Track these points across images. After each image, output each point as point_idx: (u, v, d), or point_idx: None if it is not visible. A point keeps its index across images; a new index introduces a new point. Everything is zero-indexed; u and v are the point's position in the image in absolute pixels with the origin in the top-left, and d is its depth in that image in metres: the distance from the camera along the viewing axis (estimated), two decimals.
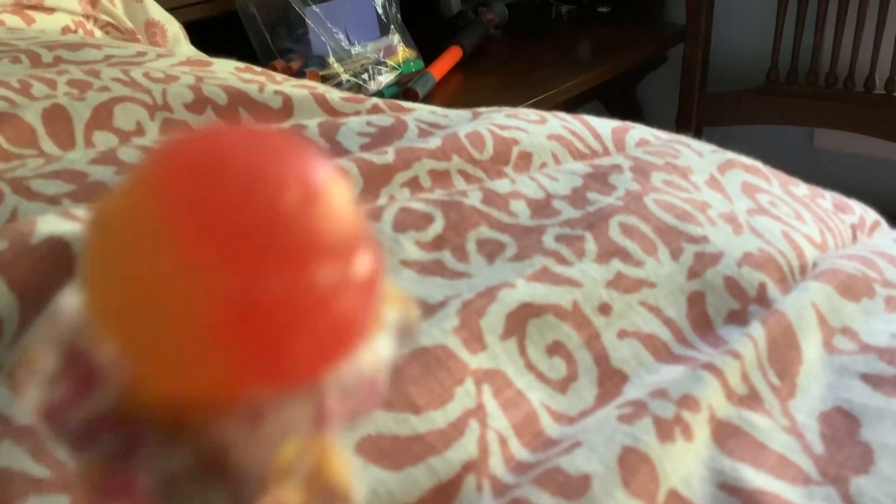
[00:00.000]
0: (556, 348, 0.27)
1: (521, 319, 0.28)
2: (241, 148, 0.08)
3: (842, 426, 0.26)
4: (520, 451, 0.24)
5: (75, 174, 0.34)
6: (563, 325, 0.28)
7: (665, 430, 0.23)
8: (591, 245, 0.31)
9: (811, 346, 0.29)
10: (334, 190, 0.08)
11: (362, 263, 0.09)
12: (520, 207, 0.33)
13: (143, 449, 0.09)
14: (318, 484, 0.10)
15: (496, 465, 0.23)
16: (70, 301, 0.10)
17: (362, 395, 0.10)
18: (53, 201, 0.32)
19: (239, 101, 0.48)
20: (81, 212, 0.28)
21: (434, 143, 0.36)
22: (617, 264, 0.31)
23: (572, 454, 0.23)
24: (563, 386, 0.27)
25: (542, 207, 0.34)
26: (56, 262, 0.25)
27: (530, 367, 0.27)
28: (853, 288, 0.32)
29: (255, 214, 0.08)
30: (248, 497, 0.09)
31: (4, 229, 0.26)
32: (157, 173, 0.08)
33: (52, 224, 0.27)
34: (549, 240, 0.32)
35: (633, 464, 0.22)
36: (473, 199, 0.33)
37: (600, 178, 0.36)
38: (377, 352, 0.10)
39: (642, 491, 0.22)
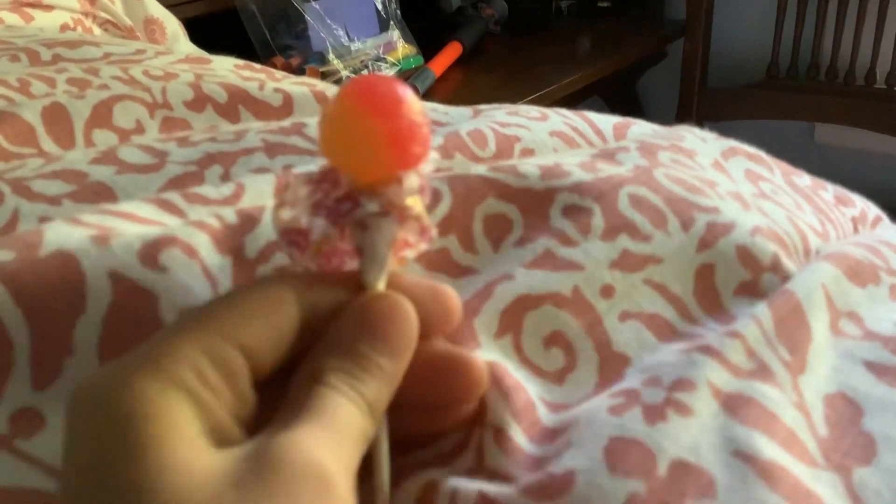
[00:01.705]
0: (553, 339, 0.27)
1: (517, 314, 0.27)
2: (382, 79, 0.22)
3: (845, 412, 0.25)
4: (519, 437, 0.24)
5: (76, 174, 0.34)
6: (561, 314, 0.27)
7: (654, 413, 0.23)
8: (598, 220, 0.30)
9: (820, 325, 0.28)
10: (413, 94, 0.22)
11: (427, 116, 0.22)
12: (529, 169, 0.32)
13: (359, 207, 0.22)
14: (420, 220, 0.23)
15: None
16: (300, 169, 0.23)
17: (426, 185, 0.23)
18: (54, 202, 0.32)
19: (239, 98, 0.48)
20: (87, 216, 0.28)
21: (436, 141, 0.36)
22: (623, 241, 0.30)
23: (560, 458, 0.23)
24: (559, 377, 0.26)
25: (552, 169, 0.33)
26: (67, 277, 0.25)
27: (526, 362, 0.26)
28: (860, 273, 0.32)
29: (394, 100, 0.22)
30: (399, 220, 0.23)
31: (14, 240, 0.26)
32: (351, 91, 0.22)
33: (60, 233, 0.26)
34: (556, 213, 0.31)
35: (619, 450, 0.22)
36: (480, 169, 0.32)
37: (608, 156, 0.36)
38: (409, 181, 0.22)
39: (633, 469, 0.22)
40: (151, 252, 0.25)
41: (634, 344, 0.27)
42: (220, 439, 0.18)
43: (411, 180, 0.22)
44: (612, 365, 0.27)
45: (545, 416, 0.25)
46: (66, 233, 0.26)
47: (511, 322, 0.27)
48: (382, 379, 0.21)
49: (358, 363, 0.20)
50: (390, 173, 0.22)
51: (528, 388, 0.25)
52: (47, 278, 0.24)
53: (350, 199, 0.22)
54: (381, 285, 0.22)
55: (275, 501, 0.17)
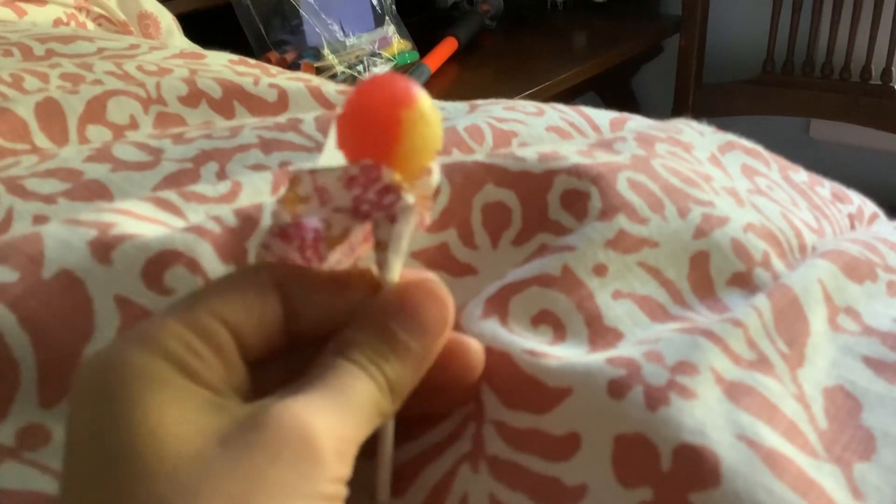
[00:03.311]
0: (542, 317, 0.27)
1: (501, 299, 0.27)
2: (408, 78, 0.23)
3: (844, 406, 0.25)
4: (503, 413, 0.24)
5: (71, 172, 0.33)
6: (548, 293, 0.27)
7: (656, 397, 0.23)
8: (595, 202, 0.30)
9: (818, 320, 0.28)
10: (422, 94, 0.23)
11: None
12: (527, 153, 0.32)
13: (401, 199, 0.22)
14: (423, 213, 0.24)
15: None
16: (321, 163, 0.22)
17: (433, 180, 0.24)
18: (49, 200, 0.31)
19: (234, 94, 0.48)
20: (85, 214, 0.27)
21: None
22: (621, 220, 0.29)
23: (571, 463, 0.23)
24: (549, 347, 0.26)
25: (549, 154, 0.32)
26: (73, 303, 0.25)
27: (514, 335, 0.26)
28: (857, 270, 0.32)
29: (427, 95, 0.23)
30: (421, 210, 0.24)
31: (13, 249, 0.25)
32: (408, 88, 0.22)
33: (58, 238, 0.26)
34: (554, 200, 0.30)
35: (624, 456, 0.22)
36: (478, 155, 0.32)
37: (605, 146, 0.35)
38: (435, 172, 0.24)
39: (639, 475, 0.22)
40: (155, 271, 0.25)
41: (628, 321, 0.27)
42: (215, 404, 0.19)
43: (437, 171, 0.23)
44: (604, 338, 0.26)
45: (529, 364, 0.24)
46: (64, 238, 0.26)
47: (495, 306, 0.27)
48: (408, 359, 0.21)
49: (386, 341, 0.21)
50: (426, 164, 0.23)
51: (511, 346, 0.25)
52: (53, 305, 0.24)
53: (392, 192, 0.22)
54: (397, 276, 0.23)
55: (255, 459, 0.18)
